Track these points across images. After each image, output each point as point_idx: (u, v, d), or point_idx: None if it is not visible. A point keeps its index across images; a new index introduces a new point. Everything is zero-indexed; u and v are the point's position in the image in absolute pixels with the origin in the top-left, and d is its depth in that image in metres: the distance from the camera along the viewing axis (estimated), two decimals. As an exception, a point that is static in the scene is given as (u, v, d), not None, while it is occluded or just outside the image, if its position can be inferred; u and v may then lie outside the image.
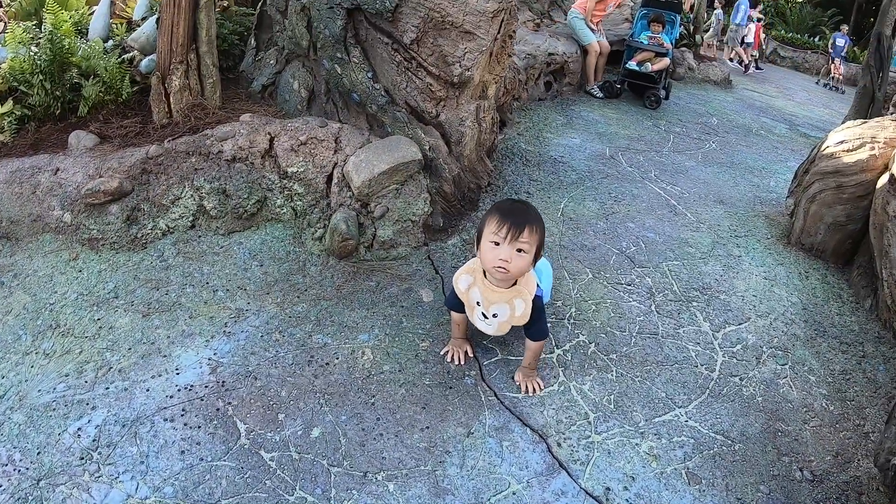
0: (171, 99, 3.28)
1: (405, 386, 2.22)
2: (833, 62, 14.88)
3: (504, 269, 2.01)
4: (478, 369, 2.35)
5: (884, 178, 3.16)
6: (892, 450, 1.80)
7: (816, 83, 13.92)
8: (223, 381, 2.16)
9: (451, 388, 2.24)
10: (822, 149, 3.61)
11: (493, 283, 2.13)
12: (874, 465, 1.94)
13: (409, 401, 2.17)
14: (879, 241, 3.05)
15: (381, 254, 2.87)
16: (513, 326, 2.23)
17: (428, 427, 2.08)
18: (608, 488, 1.99)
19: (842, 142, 3.50)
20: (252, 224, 2.88)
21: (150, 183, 2.78)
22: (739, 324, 2.94)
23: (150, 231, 2.75)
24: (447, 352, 2.38)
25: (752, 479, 2.13)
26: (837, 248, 3.57)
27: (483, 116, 3.29)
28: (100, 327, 2.35)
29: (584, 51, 6.65)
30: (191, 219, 2.80)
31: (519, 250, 2.01)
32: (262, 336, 2.35)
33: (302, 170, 2.85)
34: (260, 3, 3.83)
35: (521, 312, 2.15)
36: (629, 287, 2.95)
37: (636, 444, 2.17)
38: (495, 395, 2.25)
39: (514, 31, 3.26)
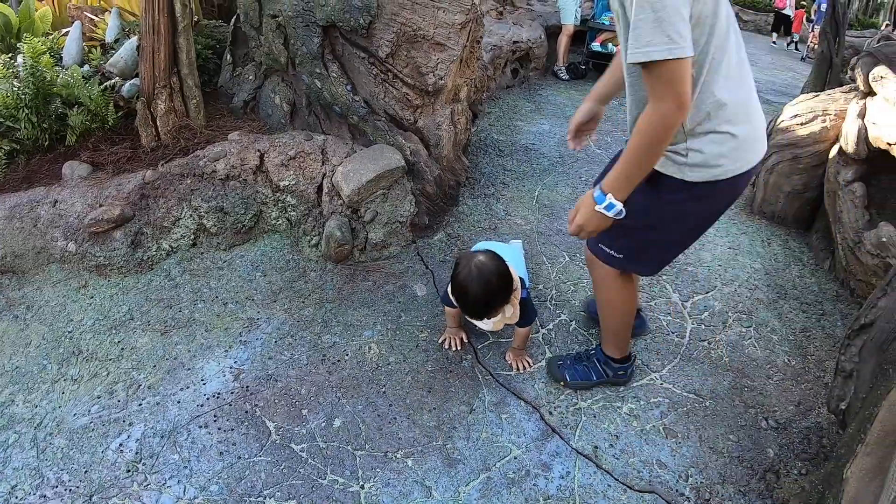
0: (158, 122, 3.44)
1: (410, 374, 2.46)
2: (813, 31, 13.18)
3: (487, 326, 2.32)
4: (473, 353, 2.59)
5: (835, 149, 3.43)
6: (840, 396, 2.02)
7: (802, 59, 12.97)
8: (247, 386, 2.38)
9: (451, 371, 2.49)
10: (778, 122, 3.87)
11: None
12: (828, 411, 2.18)
13: (416, 386, 2.41)
14: (833, 207, 3.32)
15: (375, 255, 3.10)
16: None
17: (435, 408, 2.33)
18: (596, 447, 2.25)
19: (795, 115, 3.77)
20: (251, 237, 3.08)
21: (150, 207, 2.96)
22: (706, 292, 3.20)
23: (154, 253, 2.94)
24: (444, 340, 2.60)
25: (723, 431, 2.38)
26: (797, 214, 3.85)
27: (458, 119, 3.51)
28: (122, 349, 2.54)
29: (550, 32, 6.81)
30: (192, 238, 3.00)
31: (492, 317, 2.29)
32: (275, 341, 2.57)
33: (293, 183, 3.06)
34: (234, 20, 3.97)
35: (511, 314, 2.36)
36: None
37: (618, 408, 2.42)
38: (490, 374, 2.50)
39: (481, 37, 3.48)
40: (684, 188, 1.77)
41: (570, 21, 6.82)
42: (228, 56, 3.98)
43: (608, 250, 2.06)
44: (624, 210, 1.74)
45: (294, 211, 3.08)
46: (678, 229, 1.94)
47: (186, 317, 2.68)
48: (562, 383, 2.49)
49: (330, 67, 3.26)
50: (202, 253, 3.01)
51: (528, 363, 2.57)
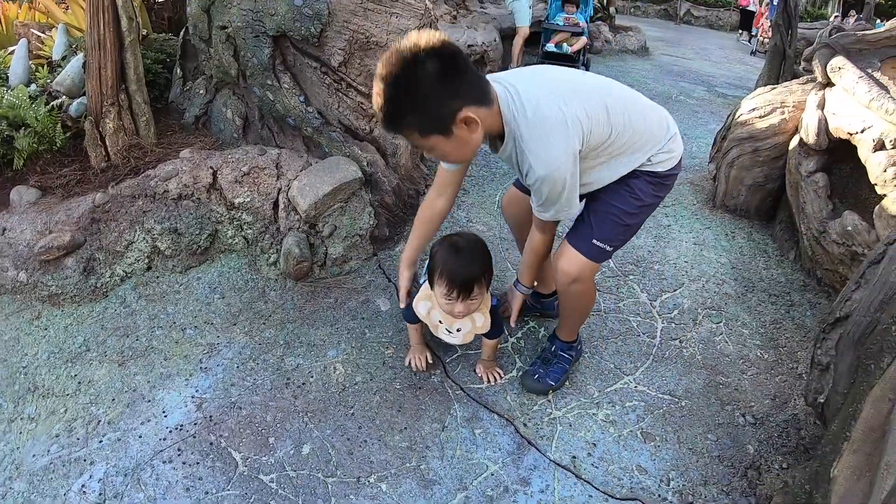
0: (107, 142, 3.30)
1: (379, 393, 2.37)
2: (763, 24, 13.09)
3: (462, 315, 2.20)
4: (441, 367, 2.52)
5: (795, 140, 3.44)
6: (818, 389, 2.01)
7: (752, 53, 12.74)
8: (210, 416, 2.26)
9: (420, 388, 2.41)
10: (737, 116, 3.89)
11: None
12: (806, 404, 2.17)
13: (385, 406, 2.32)
14: (796, 198, 3.33)
15: (335, 270, 3.00)
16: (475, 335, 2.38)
17: (406, 427, 2.24)
18: (574, 456, 2.19)
19: (754, 109, 3.78)
20: (207, 258, 2.97)
21: (102, 231, 2.83)
22: (674, 290, 3.18)
23: (108, 279, 2.81)
24: (409, 360, 2.51)
25: (701, 430, 2.35)
26: (759, 206, 3.87)
27: (415, 125, 3.43)
28: (79, 383, 2.42)
29: (505, 34, 6.82)
30: (146, 261, 2.87)
31: (473, 299, 2.16)
32: (237, 367, 2.46)
33: (248, 200, 2.95)
34: (182, 33, 3.85)
35: (482, 323, 2.29)
36: None
37: (593, 414, 2.37)
38: (461, 388, 2.43)
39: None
40: (654, 176, 2.13)
41: (524, 23, 6.82)
42: (178, 70, 3.85)
43: (603, 245, 2.17)
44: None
45: (250, 229, 2.98)
46: (641, 213, 2.23)
47: (144, 345, 2.56)
48: (549, 392, 2.43)
49: (282, 79, 3.16)
50: (157, 277, 2.89)
51: (499, 374, 2.50)
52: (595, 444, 2.25)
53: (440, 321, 2.30)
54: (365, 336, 2.65)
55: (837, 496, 1.50)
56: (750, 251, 3.63)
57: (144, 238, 2.85)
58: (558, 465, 2.16)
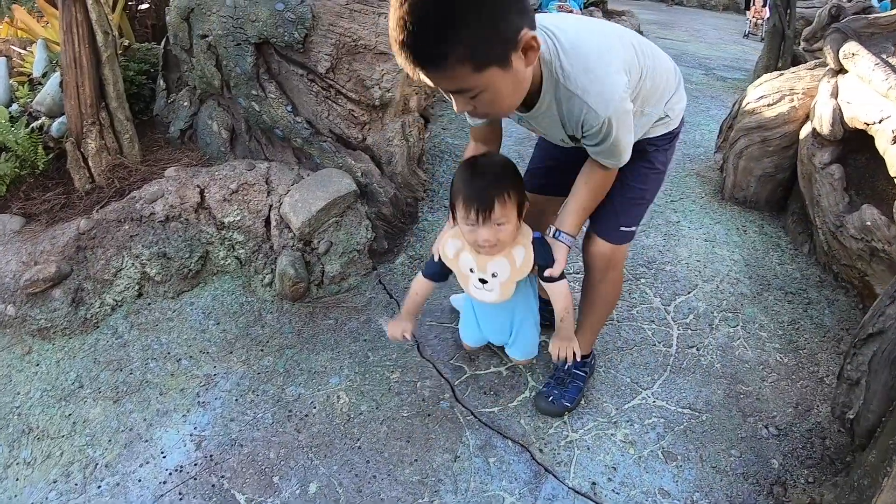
0: (91, 163, 3.17)
1: (386, 422, 2.25)
2: (755, 5, 12.48)
3: (490, 246, 1.89)
4: (450, 390, 2.39)
5: (806, 129, 3.30)
6: (846, 404, 1.92)
7: (745, 36, 12.24)
8: (211, 455, 2.14)
9: (429, 415, 2.28)
10: (744, 105, 3.74)
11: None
12: (833, 417, 2.07)
13: (393, 437, 2.20)
14: (809, 190, 3.20)
15: (333, 288, 2.87)
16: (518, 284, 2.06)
17: (416, 460, 2.12)
18: (594, 483, 2.07)
19: (762, 97, 3.64)
20: (199, 281, 2.84)
21: (88, 259, 2.70)
22: (688, 293, 3.06)
23: (98, 309, 2.68)
24: (388, 331, 2.23)
25: (724, 446, 2.24)
26: (770, 198, 3.73)
27: (409, 131, 3.29)
28: (73, 423, 2.29)
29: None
30: (137, 288, 2.74)
31: (499, 224, 1.86)
32: (236, 400, 2.33)
33: (238, 218, 2.82)
34: (164, 42, 3.71)
35: (524, 260, 1.95)
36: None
37: (612, 435, 2.26)
38: (472, 413, 2.30)
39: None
40: (668, 139, 2.01)
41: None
42: (161, 81, 3.71)
43: (628, 228, 2.05)
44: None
45: (242, 248, 2.85)
46: (659, 185, 2.13)
47: (138, 379, 2.43)
48: (566, 414, 2.31)
49: (267, 88, 3.01)
50: (149, 304, 2.76)
51: (576, 352, 2.08)
52: (615, 468, 2.13)
53: (472, 269, 2.01)
54: (368, 360, 2.52)
55: None
56: (763, 246, 3.50)
57: (133, 264, 2.72)
58: (578, 492, 2.04)
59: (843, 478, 1.95)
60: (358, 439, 2.19)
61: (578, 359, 2.08)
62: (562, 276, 1.96)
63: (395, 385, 2.41)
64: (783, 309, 3.00)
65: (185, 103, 3.48)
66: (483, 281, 2.00)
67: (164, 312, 2.71)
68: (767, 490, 2.09)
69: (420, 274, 2.18)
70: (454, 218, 1.96)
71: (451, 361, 2.53)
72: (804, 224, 3.43)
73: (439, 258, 2.07)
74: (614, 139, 1.64)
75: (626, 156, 1.76)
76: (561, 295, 1.99)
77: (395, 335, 2.18)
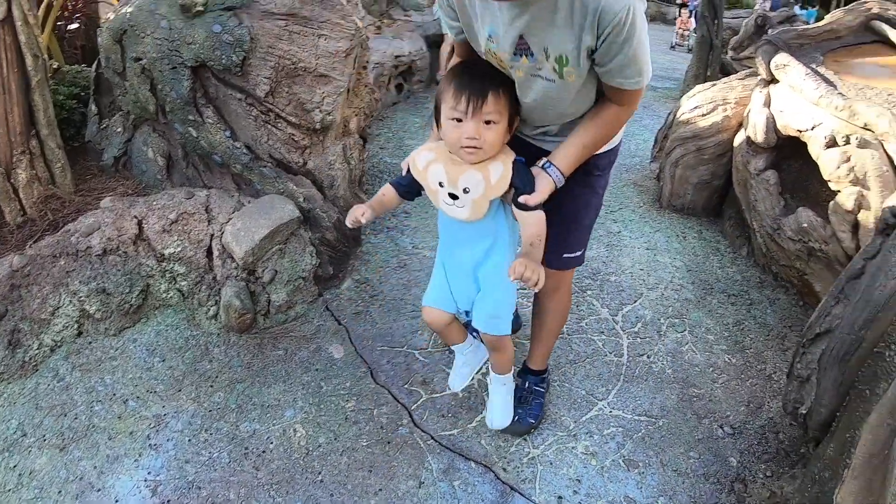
0: (21, 194, 2.99)
1: (346, 453, 2.19)
2: (681, 16, 12.37)
3: (474, 147, 1.70)
4: (408, 416, 2.35)
5: (740, 137, 3.43)
6: (798, 400, 1.98)
7: (672, 47, 12.24)
8: (168, 501, 2.03)
9: (389, 442, 2.24)
10: (678, 115, 3.86)
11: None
12: (784, 412, 2.14)
13: (355, 467, 2.14)
14: (745, 195, 3.31)
15: (280, 318, 2.80)
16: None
17: (381, 489, 2.07)
18: (560, 497, 2.08)
19: (696, 107, 3.77)
20: (141, 316, 2.71)
21: (24, 298, 2.55)
22: (634, 301, 3.11)
23: (37, 351, 2.52)
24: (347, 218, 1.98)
25: (682, 449, 2.29)
26: (706, 204, 3.86)
27: (350, 154, 3.24)
28: (19, 475, 2.13)
29: (431, 42, 6.71)
30: (76, 327, 2.60)
31: (487, 122, 1.69)
32: (189, 440, 2.22)
33: (179, 249, 2.72)
34: (95, 65, 3.55)
35: (500, 176, 1.75)
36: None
37: (573, 448, 2.26)
38: (432, 437, 2.27)
39: (367, 61, 3.23)
40: (610, 161, 1.99)
41: (451, 29, 6.71)
42: (93, 106, 3.55)
43: (572, 254, 2.04)
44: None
45: (184, 280, 2.74)
46: (599, 209, 2.11)
47: (84, 424, 2.29)
48: (532, 430, 2.29)
49: (204, 113, 2.92)
50: (90, 343, 2.61)
51: (541, 277, 1.71)
52: (579, 480, 2.14)
53: (441, 183, 1.83)
54: (322, 390, 2.45)
55: None
56: (703, 251, 3.60)
57: (71, 301, 2.58)
58: (545, 509, 2.04)
59: (801, 470, 2.01)
60: (319, 473, 2.12)
61: (541, 286, 1.77)
62: (537, 209, 1.76)
63: (352, 414, 2.36)
64: (727, 311, 3.08)
65: (119, 129, 3.34)
66: (454, 196, 1.82)
67: (106, 351, 2.58)
68: (728, 488, 2.15)
69: (389, 182, 2.01)
70: (437, 119, 1.80)
71: (406, 386, 2.49)
72: (741, 228, 3.54)
73: (408, 171, 1.91)
74: (637, 41, 1.49)
75: (649, 74, 1.61)
76: (533, 224, 1.77)
77: (353, 217, 1.94)
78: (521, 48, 1.59)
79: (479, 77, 1.68)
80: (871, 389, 1.56)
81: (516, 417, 2.27)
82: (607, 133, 1.78)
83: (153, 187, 3.20)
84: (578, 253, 2.06)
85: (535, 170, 1.79)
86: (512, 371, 2.23)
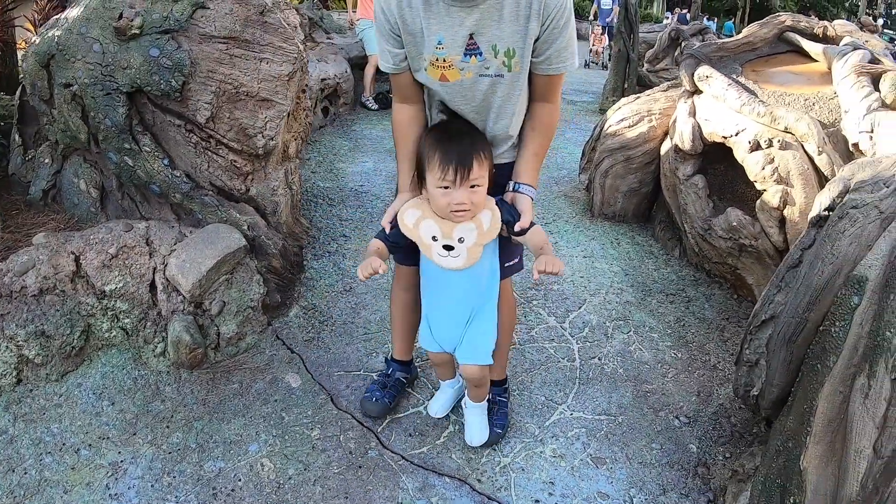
0: (-54, 234, 2.82)
1: (318, 482, 2.14)
2: (594, 31, 11.95)
3: (464, 211, 1.83)
4: (375, 438, 2.33)
5: (666, 145, 3.62)
6: (748, 383, 2.10)
7: (585, 65, 11.96)
8: (138, 552, 1.93)
9: (360, 466, 2.21)
10: (606, 128, 4.03)
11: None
12: (735, 396, 2.26)
13: (329, 496, 2.09)
14: (675, 199, 3.49)
15: (231, 350, 2.72)
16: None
17: (359, 515, 2.04)
18: (537, 501, 2.12)
19: (622, 119, 3.94)
20: (84, 358, 2.57)
21: (-46, 347, 2.38)
22: (579, 308, 3.22)
23: (-29, 404, 2.36)
24: (359, 271, 1.89)
25: (644, 442, 2.39)
26: (637, 210, 4.04)
27: (292, 179, 3.21)
28: None
29: (354, 64, 6.75)
30: (15, 375, 2.43)
31: (473, 186, 1.80)
32: (152, 486, 2.11)
33: (121, 285, 2.60)
34: (19, 93, 3.36)
35: (491, 221, 1.89)
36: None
37: (541, 452, 2.32)
38: (402, 457, 2.26)
39: (307, 85, 3.21)
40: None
41: (375, 51, 6.74)
42: (17, 136, 3.35)
43: (512, 261, 2.15)
44: None
45: (127, 318, 2.62)
46: None
47: (35, 479, 2.12)
48: (501, 439, 2.34)
49: (141, 141, 2.82)
50: (31, 391, 2.45)
51: (561, 265, 1.80)
52: (553, 483, 2.19)
53: (434, 237, 1.90)
54: (284, 420, 2.40)
55: (811, 484, 1.65)
56: (638, 255, 3.76)
57: (8, 347, 2.41)
58: (524, 514, 2.07)
59: (759, 447, 2.15)
60: (293, 505, 2.07)
61: (564, 272, 2.01)
62: (532, 225, 1.91)
63: (318, 442, 2.31)
64: (667, 310, 3.23)
65: (46, 160, 3.17)
66: (448, 248, 1.90)
67: (49, 398, 2.43)
68: (693, 472, 2.26)
69: (375, 237, 2.04)
70: (421, 185, 1.92)
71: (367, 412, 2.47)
72: (672, 231, 3.73)
73: (392, 231, 1.96)
74: (572, 24, 1.75)
75: (577, 57, 1.84)
76: (536, 235, 1.91)
77: (367, 271, 1.86)
78: (471, 48, 1.76)
79: (460, 143, 1.80)
80: (822, 363, 1.68)
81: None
82: (549, 135, 1.98)
83: (87, 221, 3.05)
84: (517, 260, 2.18)
85: (508, 196, 1.96)
86: (486, 398, 2.30)
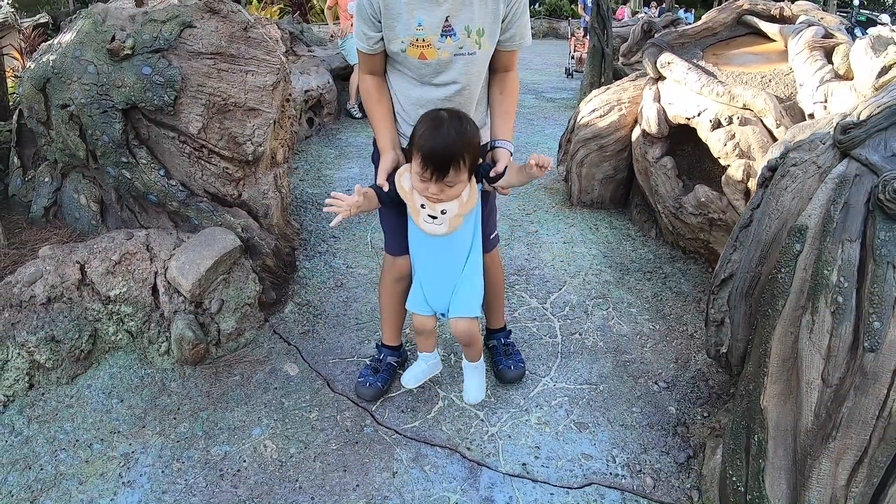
0: (-50, 253, 2.97)
1: (318, 458, 2.30)
2: (574, 35, 11.47)
3: (437, 199, 2.03)
4: (370, 416, 2.48)
5: (636, 132, 3.78)
6: (717, 342, 2.23)
7: (569, 75, 11.12)
8: (152, 532, 2.07)
9: (357, 442, 2.36)
10: (579, 119, 4.19)
11: None
12: (709, 357, 2.39)
13: (329, 470, 2.25)
14: (647, 182, 3.65)
15: (232, 345, 2.88)
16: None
17: (358, 485, 2.19)
18: (524, 464, 2.27)
19: (594, 110, 4.11)
20: (93, 361, 2.73)
21: (-31, 356, 2.53)
22: (560, 289, 3.37)
23: (-13, 409, 2.51)
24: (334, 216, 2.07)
25: (625, 407, 2.54)
26: (613, 196, 4.20)
27: (281, 183, 3.38)
28: None
29: (336, 74, 6.90)
30: (27, 379, 2.59)
31: (449, 185, 1.98)
32: (162, 471, 2.26)
33: (124, 290, 2.76)
34: (16, 117, 3.52)
35: (469, 194, 2.08)
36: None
37: (527, 420, 2.47)
38: (396, 432, 2.41)
39: (290, 94, 3.38)
40: (485, 147, 2.28)
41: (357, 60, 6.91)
42: (16, 159, 3.52)
43: (493, 234, 2.51)
44: None
45: (132, 320, 2.78)
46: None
47: (51, 474, 2.26)
48: (525, 372, 2.68)
49: (138, 154, 2.99)
50: (43, 394, 2.60)
51: (547, 160, 2.01)
52: (539, 447, 2.34)
53: (423, 205, 2.09)
54: (284, 406, 2.55)
55: (772, 420, 1.79)
56: (615, 238, 3.92)
57: (20, 353, 2.57)
58: (513, 475, 2.22)
59: (733, 403, 2.26)
60: (296, 480, 2.22)
61: (556, 166, 2.28)
62: (497, 178, 2.13)
63: (317, 423, 2.47)
64: (645, 286, 3.39)
65: (46, 179, 3.34)
66: (432, 216, 2.09)
67: (61, 400, 2.58)
68: (672, 432, 2.41)
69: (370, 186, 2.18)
70: (410, 158, 2.08)
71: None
72: (647, 213, 3.89)
73: (390, 187, 2.12)
74: (527, 5, 2.13)
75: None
76: (513, 166, 2.14)
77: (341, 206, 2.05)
78: (446, 30, 2.02)
79: (444, 145, 1.93)
80: (773, 308, 1.81)
81: (510, 366, 2.64)
82: (515, 96, 2.31)
83: (88, 234, 3.21)
84: (496, 232, 2.56)
85: (488, 155, 2.23)
86: (482, 357, 2.47)
